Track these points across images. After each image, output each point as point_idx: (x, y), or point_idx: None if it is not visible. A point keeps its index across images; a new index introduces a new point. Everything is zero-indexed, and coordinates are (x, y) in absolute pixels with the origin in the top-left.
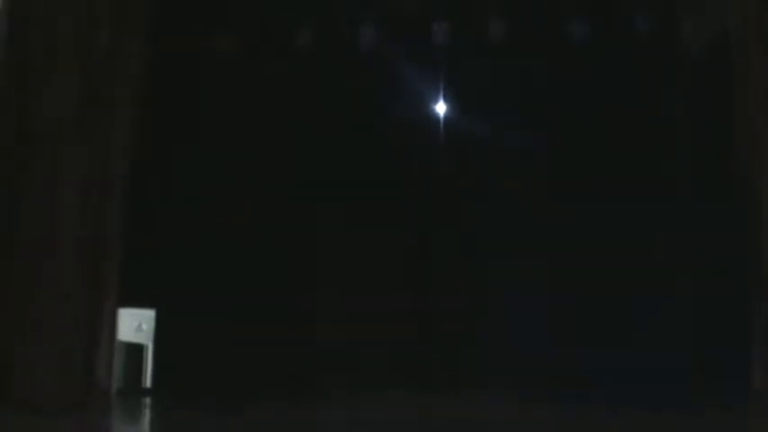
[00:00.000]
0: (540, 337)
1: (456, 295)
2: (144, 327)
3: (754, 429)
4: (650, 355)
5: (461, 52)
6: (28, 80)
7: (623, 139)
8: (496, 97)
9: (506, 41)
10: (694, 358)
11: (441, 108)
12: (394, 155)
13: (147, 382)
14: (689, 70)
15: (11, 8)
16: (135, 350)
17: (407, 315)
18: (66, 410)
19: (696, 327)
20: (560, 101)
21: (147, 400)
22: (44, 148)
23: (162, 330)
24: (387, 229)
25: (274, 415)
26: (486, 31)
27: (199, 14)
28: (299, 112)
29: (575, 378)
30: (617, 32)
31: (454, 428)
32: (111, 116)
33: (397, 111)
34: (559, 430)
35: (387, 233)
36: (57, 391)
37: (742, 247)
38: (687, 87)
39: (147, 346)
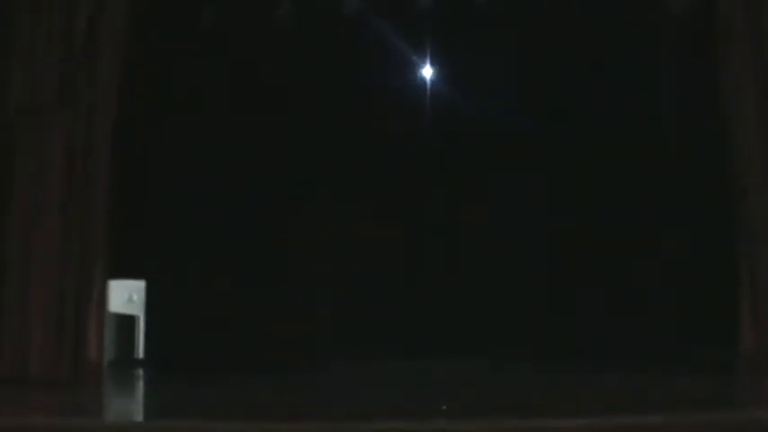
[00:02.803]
0: (529, 305)
1: (448, 274)
2: (135, 298)
3: (744, 386)
4: (640, 318)
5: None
6: (12, 52)
7: (610, 106)
8: (479, 68)
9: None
10: (682, 319)
11: (427, 73)
12: (379, 129)
13: (139, 353)
14: (672, 29)
15: None
16: (126, 321)
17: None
18: (57, 383)
19: (685, 289)
20: (544, 65)
21: (140, 371)
22: (29, 120)
23: (153, 301)
24: (377, 206)
25: (266, 385)
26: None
27: None
28: (286, 85)
29: (567, 344)
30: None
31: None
32: (94, 87)
33: (382, 82)
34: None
35: (377, 209)
36: (47, 364)
37: (730, 209)
38: (670, 48)
39: (138, 318)
